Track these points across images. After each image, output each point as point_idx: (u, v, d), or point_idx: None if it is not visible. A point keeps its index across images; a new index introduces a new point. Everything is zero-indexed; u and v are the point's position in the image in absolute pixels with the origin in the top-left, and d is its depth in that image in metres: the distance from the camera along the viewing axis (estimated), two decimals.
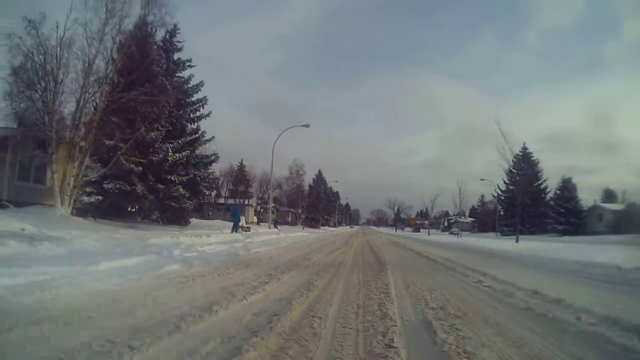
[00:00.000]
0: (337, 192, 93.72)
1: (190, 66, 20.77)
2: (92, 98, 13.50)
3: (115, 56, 14.50)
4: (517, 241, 21.21)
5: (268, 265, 7.03)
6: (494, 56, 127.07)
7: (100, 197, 15.26)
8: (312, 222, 61.77)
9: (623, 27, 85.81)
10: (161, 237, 11.44)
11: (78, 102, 13.42)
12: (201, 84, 20.35)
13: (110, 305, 3.35)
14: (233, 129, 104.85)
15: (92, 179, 14.28)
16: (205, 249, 9.07)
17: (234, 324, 2.99)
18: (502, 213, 60.10)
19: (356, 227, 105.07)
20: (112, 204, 16.57)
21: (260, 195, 49.79)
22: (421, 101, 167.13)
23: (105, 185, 14.62)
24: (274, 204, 44.73)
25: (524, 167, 57.93)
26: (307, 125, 30.27)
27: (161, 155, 15.37)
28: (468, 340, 2.80)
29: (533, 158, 58.28)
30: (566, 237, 39.65)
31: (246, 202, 45.84)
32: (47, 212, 14.50)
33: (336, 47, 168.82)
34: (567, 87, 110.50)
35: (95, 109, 13.49)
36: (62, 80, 13.93)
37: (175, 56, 20.53)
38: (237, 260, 7.71)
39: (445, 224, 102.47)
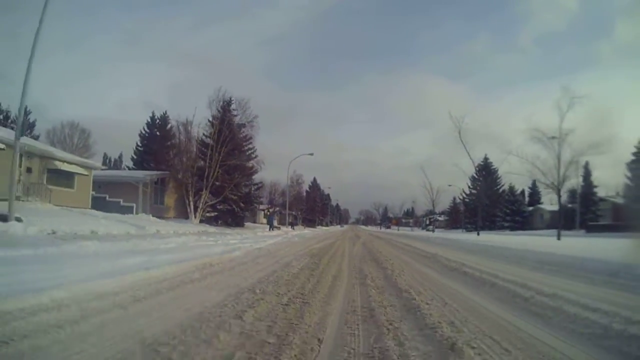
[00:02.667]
0: (328, 195, 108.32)
1: (244, 125, 34.38)
2: (212, 162, 27.16)
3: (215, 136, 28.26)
4: (433, 231, 36.15)
5: (319, 238, 20.86)
6: (483, 55, 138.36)
7: (216, 213, 28.85)
8: (309, 222, 75.90)
9: (614, 27, 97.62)
10: (257, 232, 25.12)
11: (204, 165, 27.08)
12: (252, 138, 34.07)
13: (315, 235, 17.18)
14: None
15: (210, 204, 27.86)
16: (288, 235, 22.77)
17: (330, 243, 16.88)
18: (466, 213, 74.89)
19: (346, 226, 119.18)
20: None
21: (269, 201, 63.34)
22: (412, 101, 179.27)
23: (218, 207, 28.23)
24: (278, 208, 58.99)
25: (485, 174, 73.19)
26: (311, 154, 44.17)
27: (246, 190, 29.08)
28: (373, 246, 16.77)
29: (493, 167, 73.27)
30: (507, 232, 54.47)
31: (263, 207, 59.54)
32: (186, 221, 28.00)
33: (326, 48, 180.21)
34: (556, 84, 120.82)
35: (212, 168, 27.15)
36: (190, 150, 27.68)
37: (235, 120, 34.11)
38: (306, 237, 21.54)
39: (427, 222, 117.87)
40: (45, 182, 21.30)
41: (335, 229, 74.40)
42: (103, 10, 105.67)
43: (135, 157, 53.39)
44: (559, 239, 22.10)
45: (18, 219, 10.63)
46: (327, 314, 3.35)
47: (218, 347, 2.34)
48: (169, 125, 54.89)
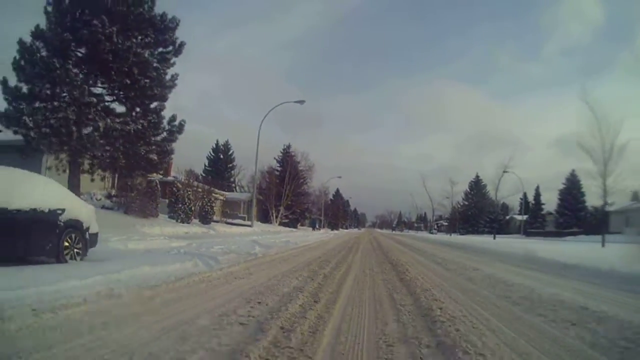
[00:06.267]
0: (347, 201, 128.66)
1: (299, 163, 54.68)
2: (285, 190, 47.66)
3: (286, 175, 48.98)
4: (423, 232, 55.93)
5: (351, 235, 40.93)
6: (505, 62, 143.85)
7: (287, 220, 49.23)
8: (333, 225, 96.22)
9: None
10: (314, 231, 45.32)
11: (281, 193, 47.75)
12: (305, 174, 54.29)
13: (346, 233, 37.44)
14: (248, 134, 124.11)
15: (284, 214, 48.19)
16: (333, 232, 42.86)
17: (359, 235, 37.05)
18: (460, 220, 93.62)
19: (363, 229, 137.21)
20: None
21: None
22: (433, 106, 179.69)
23: (289, 217, 48.63)
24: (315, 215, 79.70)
25: (476, 189, 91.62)
26: (339, 177, 64.43)
27: (305, 207, 49.44)
28: (379, 239, 36.93)
29: (483, 183, 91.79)
30: (486, 235, 73.38)
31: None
32: (270, 225, 48.48)
33: (347, 54, 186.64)
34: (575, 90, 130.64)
35: (285, 194, 47.63)
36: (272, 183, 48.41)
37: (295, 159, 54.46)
38: (344, 233, 41.73)
39: (435, 226, 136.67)
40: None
41: (355, 231, 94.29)
42: None
43: (204, 175, 74.09)
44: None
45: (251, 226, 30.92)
46: (365, 241, 23.71)
47: (356, 242, 22.68)
48: (230, 151, 75.66)
